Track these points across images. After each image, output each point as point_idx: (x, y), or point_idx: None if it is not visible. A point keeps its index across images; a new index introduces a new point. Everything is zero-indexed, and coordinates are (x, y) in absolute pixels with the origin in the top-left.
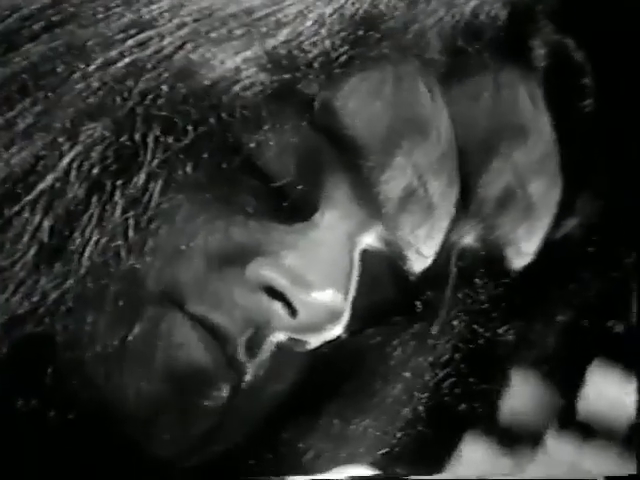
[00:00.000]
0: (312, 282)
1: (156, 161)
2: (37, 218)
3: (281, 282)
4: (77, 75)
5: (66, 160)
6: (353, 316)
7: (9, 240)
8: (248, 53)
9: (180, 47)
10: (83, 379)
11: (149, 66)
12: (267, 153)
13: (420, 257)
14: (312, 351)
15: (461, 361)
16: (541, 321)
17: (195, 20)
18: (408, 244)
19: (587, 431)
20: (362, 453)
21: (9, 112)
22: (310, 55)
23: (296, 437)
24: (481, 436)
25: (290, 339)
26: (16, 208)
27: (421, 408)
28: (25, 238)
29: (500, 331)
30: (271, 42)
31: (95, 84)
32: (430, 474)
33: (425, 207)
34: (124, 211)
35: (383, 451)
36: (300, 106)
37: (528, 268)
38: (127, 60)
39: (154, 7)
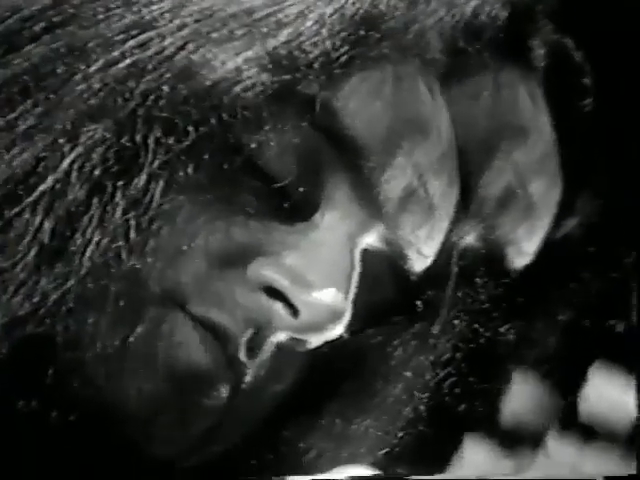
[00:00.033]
0: (313, 282)
1: (157, 162)
2: (38, 219)
3: (282, 282)
4: (78, 76)
5: (67, 161)
6: (354, 316)
7: (10, 241)
8: (249, 53)
9: (181, 48)
10: (84, 380)
11: (150, 67)
12: (268, 153)
13: (421, 257)
14: (313, 351)
15: (462, 360)
16: (542, 321)
17: (196, 21)
18: (409, 244)
19: (588, 433)
20: (363, 453)
21: (10, 113)
22: (311, 55)
23: (297, 437)
24: (482, 438)
25: (291, 339)
26: (17, 209)
27: (422, 408)
28: (26, 239)
29: (501, 330)
30: (272, 42)
31: (96, 85)
32: (431, 474)
33: (425, 207)
34: (125, 212)
35: (384, 451)
36: (301, 106)
37: (529, 268)
38: (128, 61)
39: (155, 8)
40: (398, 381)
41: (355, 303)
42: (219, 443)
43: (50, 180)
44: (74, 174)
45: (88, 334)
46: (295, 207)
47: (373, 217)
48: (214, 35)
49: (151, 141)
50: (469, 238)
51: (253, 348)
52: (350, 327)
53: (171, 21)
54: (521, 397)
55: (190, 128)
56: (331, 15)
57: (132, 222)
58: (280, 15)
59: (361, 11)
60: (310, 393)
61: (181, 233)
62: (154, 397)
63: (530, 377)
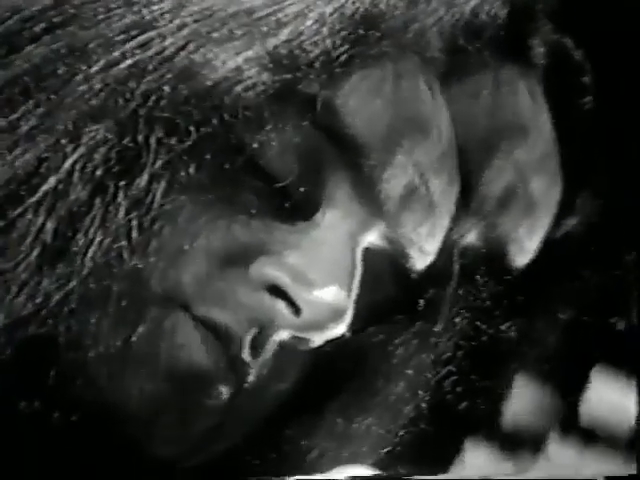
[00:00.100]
0: (315, 281)
1: (159, 162)
2: (40, 220)
3: (284, 281)
4: (79, 77)
5: (69, 162)
6: (356, 314)
7: (12, 241)
8: (249, 53)
9: (182, 48)
10: (86, 380)
11: (151, 67)
12: (269, 153)
13: (422, 255)
14: (315, 350)
15: (463, 359)
16: (542, 319)
17: (196, 21)
18: (410, 242)
19: (589, 436)
20: (365, 452)
21: (12, 114)
22: (311, 54)
23: (299, 436)
24: (483, 440)
25: (294, 337)
26: (19, 210)
27: (424, 406)
28: (28, 239)
29: (502, 328)
30: (272, 42)
31: (97, 86)
32: (433, 474)
33: (426, 205)
34: (127, 212)
35: (386, 450)
36: (302, 106)
37: (529, 266)
38: (129, 61)
39: (155, 8)
40: (400, 380)
41: (357, 302)
42: (221, 442)
43: (52, 180)
44: (76, 174)
45: (90, 334)
46: (296, 206)
47: (374, 215)
48: (214, 35)
49: (153, 141)
50: (470, 236)
51: (256, 347)
52: (352, 326)
53: (171, 21)
54: (522, 400)
55: (192, 128)
56: (331, 14)
57: (134, 222)
58: (280, 14)
59: (361, 10)
60: (312, 392)
61: (183, 233)
62: (156, 397)
63: (531, 380)
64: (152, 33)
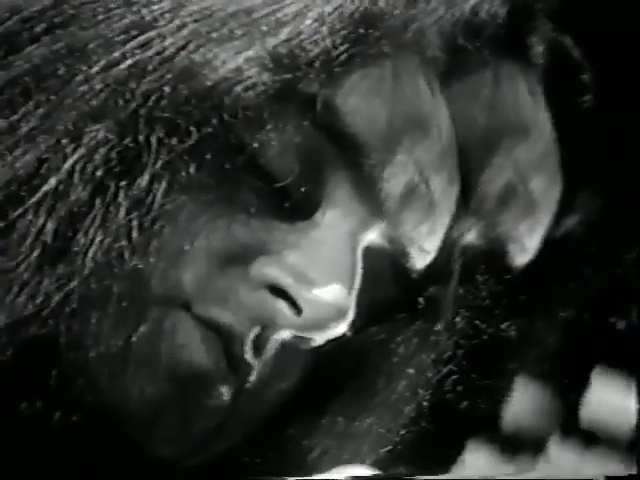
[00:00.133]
0: (316, 280)
1: (160, 162)
2: (41, 220)
3: (285, 280)
4: (79, 77)
5: (70, 162)
6: (357, 314)
7: (13, 242)
8: (249, 53)
9: (182, 48)
10: (87, 380)
11: (151, 67)
12: (269, 153)
13: (422, 254)
14: (316, 349)
15: (464, 358)
16: (543, 318)
17: (196, 20)
18: (410, 241)
19: (589, 438)
20: (366, 451)
21: (12, 115)
22: (311, 54)
23: (300, 435)
24: (484, 441)
25: (295, 337)
26: (20, 210)
27: (424, 405)
28: (29, 240)
29: (502, 327)
30: (272, 41)
31: (97, 86)
32: (434, 474)
33: (426, 203)
34: (128, 212)
35: (387, 449)
36: (302, 105)
37: (530, 265)
38: (129, 62)
39: (155, 8)
40: (400, 379)
41: (357, 301)
42: (222, 442)
43: (53, 181)
44: (77, 175)
45: (91, 334)
46: (296, 206)
47: (374, 215)
48: (214, 35)
49: (153, 141)
50: (470, 235)
51: (258, 347)
52: (353, 325)
53: (171, 21)
54: (522, 401)
55: (192, 128)
56: (330, 13)
57: (135, 222)
58: (280, 14)
59: (360, 9)
60: (313, 391)
61: (183, 233)
62: (156, 397)
63: (531, 381)
64: (152, 33)
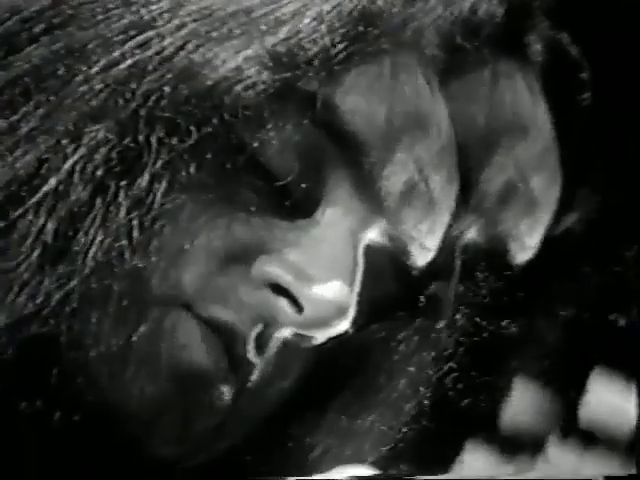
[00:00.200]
0: (317, 278)
1: (160, 162)
2: (41, 220)
3: (286, 279)
4: (79, 78)
5: (70, 162)
6: (358, 311)
7: (13, 242)
8: (249, 52)
9: (181, 48)
10: (87, 379)
11: (151, 67)
12: (270, 152)
13: (423, 251)
14: (317, 347)
15: (464, 355)
16: (543, 315)
17: (195, 20)
18: (411, 238)
19: (588, 438)
20: (368, 449)
21: (12, 116)
22: (310, 52)
23: (302, 433)
24: (483, 441)
25: (296, 335)
26: (20, 210)
27: (425, 402)
28: (29, 240)
29: (503, 325)
30: (271, 40)
31: (97, 86)
32: (434, 473)
33: (426, 201)
34: (128, 212)
35: (388, 447)
36: (301, 104)
37: (530, 262)
38: (129, 62)
39: (153, 8)
40: (402, 376)
41: (359, 299)
42: (223, 442)
43: (53, 181)
44: (77, 175)
45: (91, 334)
46: (296, 204)
47: (375, 212)
48: (213, 34)
49: (154, 141)
50: (470, 233)
51: (260, 345)
52: (354, 323)
53: (170, 21)
54: (522, 402)
55: (192, 128)
56: (329, 12)
57: (135, 222)
58: (278, 13)
59: (359, 7)
60: (314, 389)
61: (184, 232)
62: (157, 397)
63: (531, 380)
64: (151, 33)
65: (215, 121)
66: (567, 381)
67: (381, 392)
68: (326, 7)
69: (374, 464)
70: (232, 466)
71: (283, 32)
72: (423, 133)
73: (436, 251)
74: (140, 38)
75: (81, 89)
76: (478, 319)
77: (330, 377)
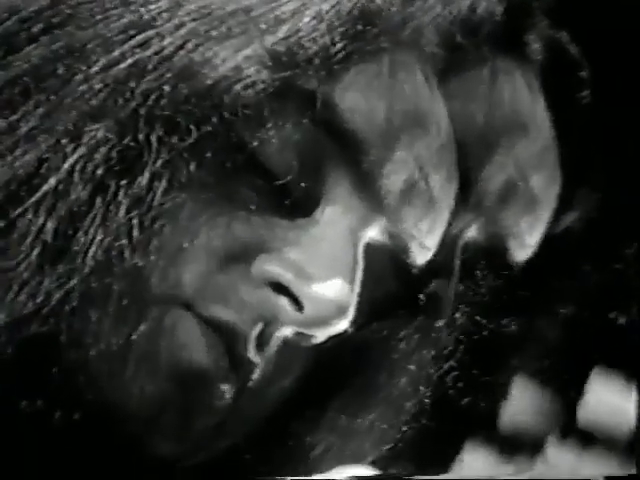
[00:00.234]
0: (317, 277)
1: (160, 161)
2: (41, 219)
3: (286, 277)
4: (79, 77)
5: (70, 162)
6: (358, 310)
7: (13, 241)
8: (248, 51)
9: (181, 47)
10: (87, 379)
11: (150, 67)
12: (269, 151)
13: (423, 249)
14: (317, 346)
15: (464, 353)
16: (543, 313)
17: (194, 19)
18: (411, 237)
19: (587, 439)
20: (368, 448)
21: (12, 115)
22: (309, 51)
23: (302, 432)
24: (482, 443)
25: (297, 334)
26: (20, 210)
27: (426, 401)
28: (29, 239)
29: (503, 323)
30: (270, 39)
31: (97, 86)
32: (434, 473)
33: (426, 200)
34: (128, 211)
35: (388, 446)
36: (301, 103)
37: (530, 261)
38: (128, 61)
39: (152, 7)
40: (402, 375)
41: (359, 297)
42: (223, 440)
43: (53, 181)
44: (77, 174)
45: (91, 333)
46: (296, 203)
47: (374, 211)
48: (213, 33)
49: (153, 140)
50: (470, 231)
51: (261, 344)
52: (354, 321)
53: (169, 20)
54: (521, 402)
55: (192, 127)
56: (328, 11)
57: (135, 221)
58: (278, 12)
59: (358, 6)
60: (315, 388)
61: (184, 231)
62: (157, 396)
63: (531, 380)
64: (150, 32)
65: (215, 120)
66: (567, 380)
67: (381, 391)
68: (325, 6)
69: (374, 463)
70: (232, 465)
71: (282, 31)
72: (423, 131)
73: (436, 249)
74: (139, 37)
75: (81, 88)
76: (478, 317)
77: (330, 376)
